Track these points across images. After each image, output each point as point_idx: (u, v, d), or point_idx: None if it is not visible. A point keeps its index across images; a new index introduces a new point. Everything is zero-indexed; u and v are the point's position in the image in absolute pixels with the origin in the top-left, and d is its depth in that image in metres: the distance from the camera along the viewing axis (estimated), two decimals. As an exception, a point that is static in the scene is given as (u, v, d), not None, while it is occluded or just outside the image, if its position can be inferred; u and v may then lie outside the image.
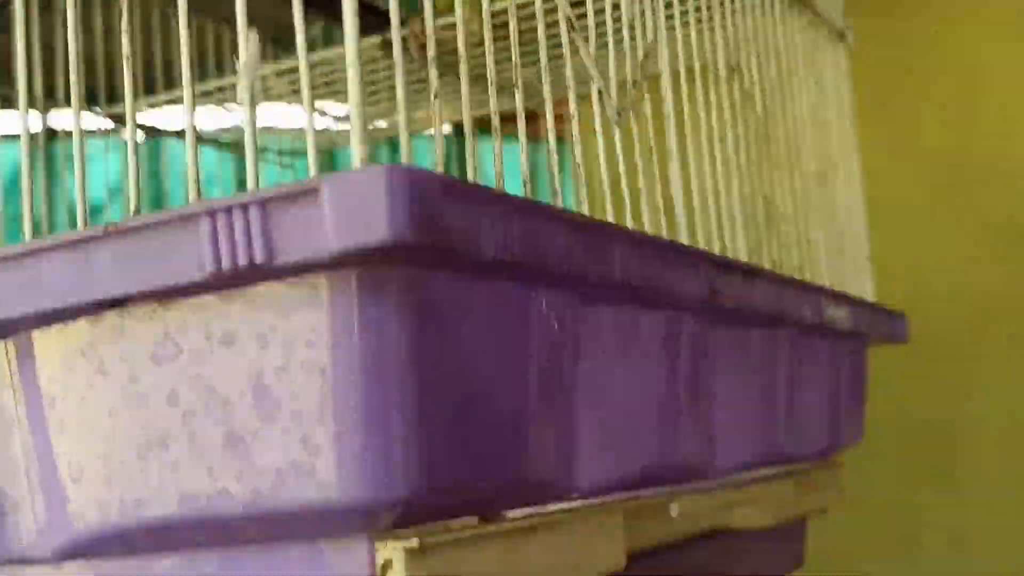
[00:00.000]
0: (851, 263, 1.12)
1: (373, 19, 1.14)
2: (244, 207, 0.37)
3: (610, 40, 0.60)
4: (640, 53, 0.66)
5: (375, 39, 1.08)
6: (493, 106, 0.48)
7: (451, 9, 0.63)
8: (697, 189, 0.75)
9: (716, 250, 0.75)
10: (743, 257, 0.81)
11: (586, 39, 0.57)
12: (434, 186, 0.36)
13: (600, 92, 0.58)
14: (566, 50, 0.56)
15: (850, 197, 1.16)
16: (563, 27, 0.55)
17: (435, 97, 0.43)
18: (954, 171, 2.58)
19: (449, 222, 0.37)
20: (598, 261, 0.48)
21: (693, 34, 0.77)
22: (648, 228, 0.64)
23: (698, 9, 0.83)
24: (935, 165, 2.49)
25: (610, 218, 0.58)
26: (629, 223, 0.61)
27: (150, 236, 0.39)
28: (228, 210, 0.37)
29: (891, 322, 1.08)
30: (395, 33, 0.42)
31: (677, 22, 0.75)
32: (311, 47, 1.03)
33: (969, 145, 2.57)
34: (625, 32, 0.63)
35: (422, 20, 1.02)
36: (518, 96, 0.50)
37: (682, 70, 0.75)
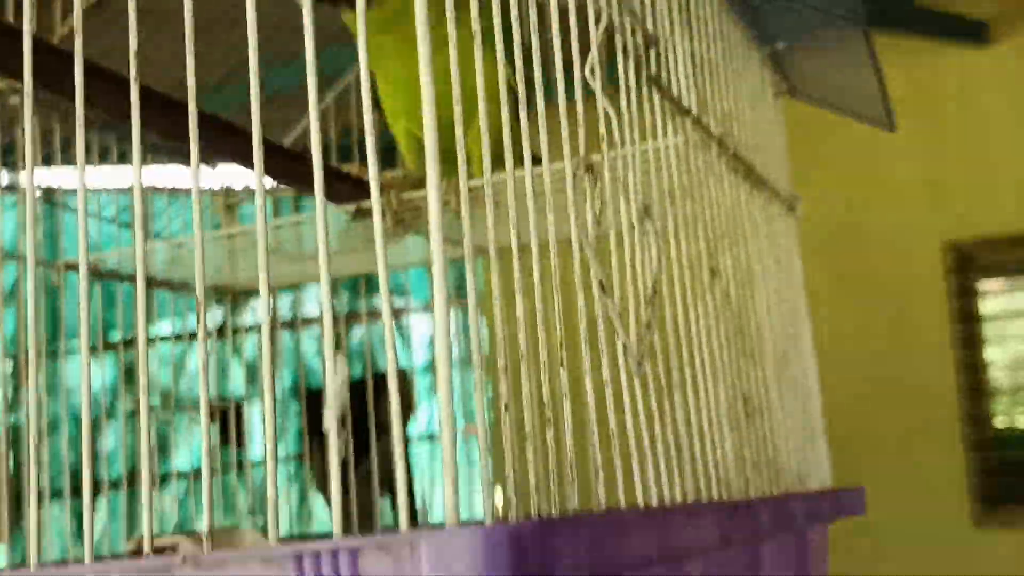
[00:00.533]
0: (810, 438, 1.15)
1: (342, 187, 1.15)
2: (333, 553, 0.37)
3: (630, 294, 0.61)
4: (649, 286, 0.67)
5: (349, 207, 1.08)
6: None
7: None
8: (693, 403, 0.76)
9: (709, 456, 0.76)
10: (729, 456, 0.82)
11: (612, 299, 0.58)
12: (528, 543, 0.37)
13: (625, 346, 0.59)
14: (598, 308, 0.57)
15: (807, 371, 1.19)
16: (595, 290, 0.57)
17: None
18: (833, 236, 2.73)
19: (536, 566, 0.38)
20: (638, 550, 0.49)
21: (684, 249, 0.79)
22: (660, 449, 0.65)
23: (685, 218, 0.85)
24: (815, 230, 2.65)
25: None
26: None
27: (234, 572, 0.38)
28: (316, 556, 0.37)
29: (852, 501, 1.10)
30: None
31: (672, 243, 0.77)
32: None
33: (847, 213, 2.72)
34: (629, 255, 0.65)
35: (397, 189, 1.03)
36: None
37: (677, 291, 0.77)
